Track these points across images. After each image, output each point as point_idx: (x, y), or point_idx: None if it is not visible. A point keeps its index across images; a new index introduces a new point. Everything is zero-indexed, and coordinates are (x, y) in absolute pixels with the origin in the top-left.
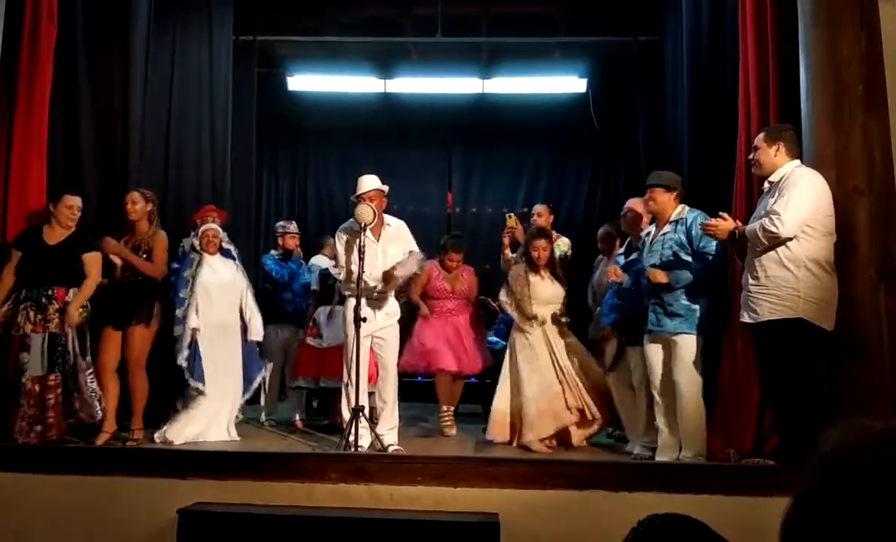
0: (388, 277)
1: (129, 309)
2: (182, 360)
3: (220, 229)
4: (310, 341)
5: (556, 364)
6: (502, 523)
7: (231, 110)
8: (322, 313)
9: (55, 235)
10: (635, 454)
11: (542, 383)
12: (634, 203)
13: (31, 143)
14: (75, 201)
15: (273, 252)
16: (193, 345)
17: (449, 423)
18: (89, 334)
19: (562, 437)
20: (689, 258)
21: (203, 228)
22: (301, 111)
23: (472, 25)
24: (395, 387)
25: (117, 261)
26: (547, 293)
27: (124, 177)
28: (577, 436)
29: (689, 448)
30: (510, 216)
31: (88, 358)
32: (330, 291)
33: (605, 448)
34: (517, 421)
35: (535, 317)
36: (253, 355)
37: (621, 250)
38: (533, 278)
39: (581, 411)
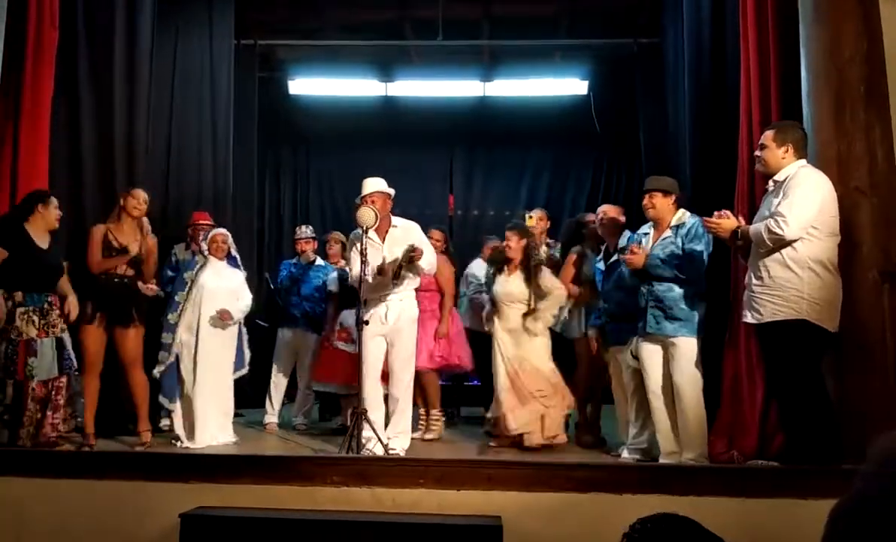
0: (381, 269)
1: (128, 309)
2: (157, 371)
3: (229, 235)
4: (340, 345)
5: (507, 370)
6: (505, 525)
7: (232, 114)
8: (350, 316)
9: (41, 237)
10: (624, 456)
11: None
12: (609, 209)
13: (34, 146)
14: (57, 203)
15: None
16: (174, 360)
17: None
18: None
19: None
20: (678, 260)
21: (213, 232)
22: (302, 115)
23: (473, 28)
24: (407, 390)
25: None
26: (510, 293)
27: (126, 180)
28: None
29: (690, 450)
30: (530, 216)
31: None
32: (350, 293)
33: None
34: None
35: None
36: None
37: (599, 256)
38: (499, 278)
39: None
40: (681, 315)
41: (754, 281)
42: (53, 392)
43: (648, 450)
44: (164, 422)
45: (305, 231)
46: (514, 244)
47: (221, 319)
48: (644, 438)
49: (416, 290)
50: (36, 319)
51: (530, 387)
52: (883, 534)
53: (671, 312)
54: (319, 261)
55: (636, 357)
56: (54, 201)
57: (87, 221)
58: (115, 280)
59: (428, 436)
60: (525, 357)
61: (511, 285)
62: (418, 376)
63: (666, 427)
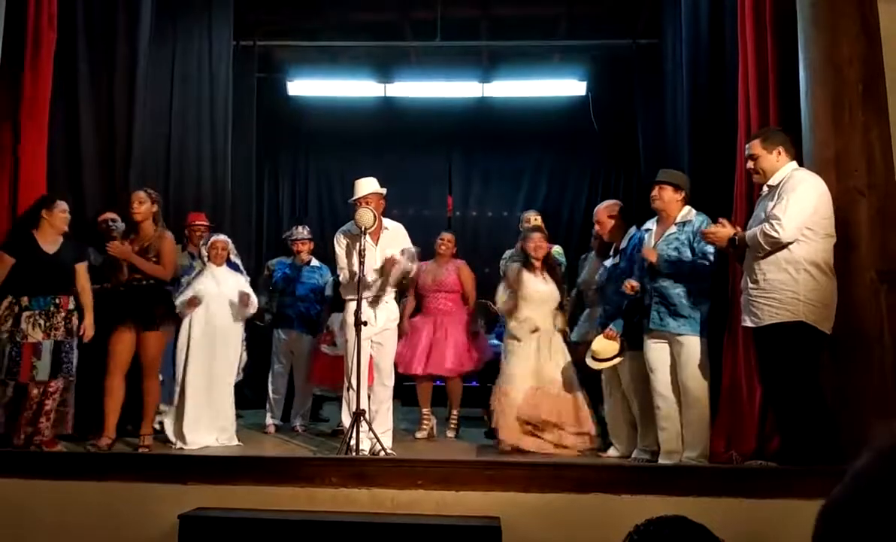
0: (384, 269)
1: (149, 312)
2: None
3: (229, 241)
4: (324, 348)
5: (541, 373)
6: (504, 526)
7: (231, 115)
8: (336, 319)
9: (49, 241)
10: (633, 457)
11: (523, 377)
12: (600, 213)
13: (33, 147)
14: (66, 206)
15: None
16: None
17: (423, 426)
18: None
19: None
20: (689, 259)
21: (213, 238)
22: (301, 115)
23: (472, 29)
24: (391, 390)
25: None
26: (541, 292)
27: (124, 182)
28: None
29: (692, 449)
30: (536, 217)
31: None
32: (338, 295)
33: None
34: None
35: (524, 320)
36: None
37: (610, 258)
38: (527, 275)
39: (557, 426)
40: (684, 312)
41: (750, 285)
42: (44, 396)
43: (657, 452)
44: (156, 420)
45: (301, 232)
46: (543, 245)
47: (242, 303)
48: (652, 440)
49: (441, 292)
50: (42, 322)
51: (548, 412)
52: (875, 529)
53: (675, 308)
54: (315, 262)
55: (595, 358)
56: (60, 205)
57: (86, 222)
58: (135, 283)
59: (449, 433)
60: (552, 373)
61: (544, 284)
62: (445, 380)
63: (669, 426)
